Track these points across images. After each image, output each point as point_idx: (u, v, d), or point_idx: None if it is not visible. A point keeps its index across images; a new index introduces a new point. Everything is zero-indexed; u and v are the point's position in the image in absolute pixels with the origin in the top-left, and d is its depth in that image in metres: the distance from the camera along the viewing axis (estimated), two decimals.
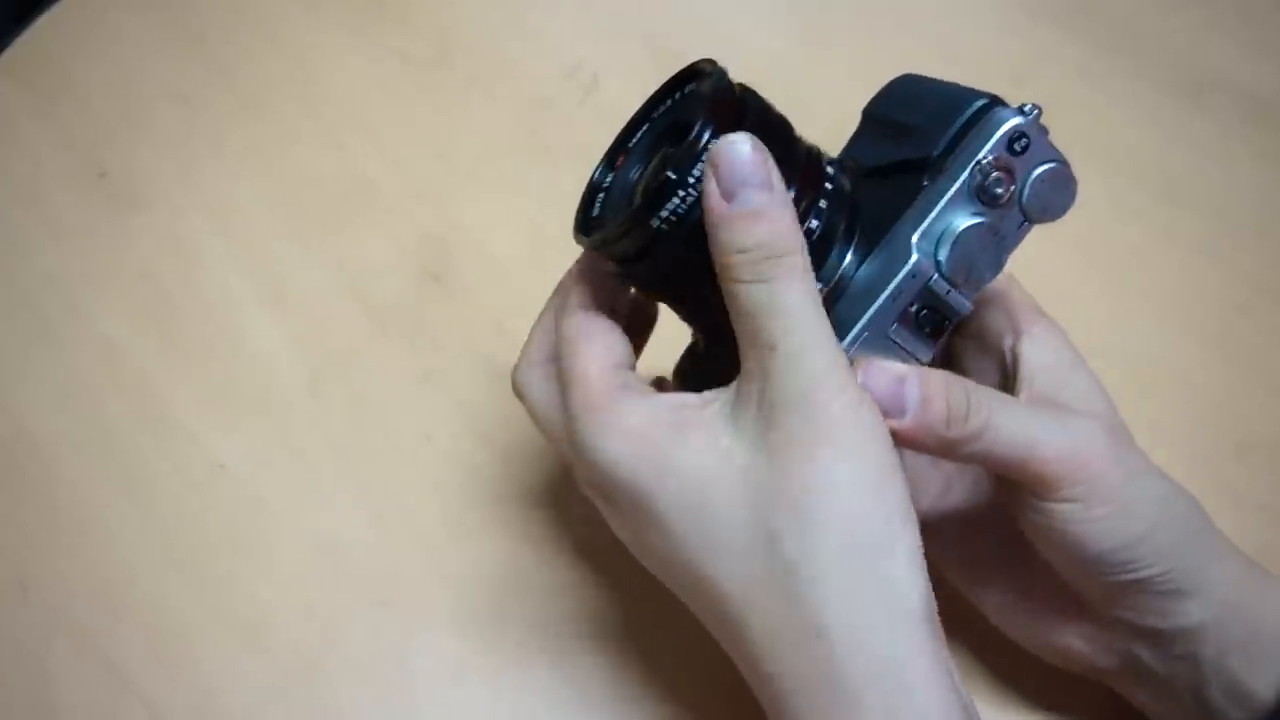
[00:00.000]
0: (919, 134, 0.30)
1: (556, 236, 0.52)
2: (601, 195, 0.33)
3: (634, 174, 0.32)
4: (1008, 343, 0.33)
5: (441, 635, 0.41)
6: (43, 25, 0.61)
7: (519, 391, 0.34)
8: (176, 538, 0.44)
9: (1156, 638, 0.31)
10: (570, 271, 0.34)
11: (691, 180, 0.28)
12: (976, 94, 0.30)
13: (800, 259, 0.28)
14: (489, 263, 0.51)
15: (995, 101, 0.30)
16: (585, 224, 0.33)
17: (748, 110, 0.30)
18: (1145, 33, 0.55)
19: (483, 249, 0.51)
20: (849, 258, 0.30)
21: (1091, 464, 0.29)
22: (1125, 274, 0.47)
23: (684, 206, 0.28)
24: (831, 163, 0.31)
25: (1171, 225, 0.48)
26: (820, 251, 0.30)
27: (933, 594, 0.27)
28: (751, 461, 0.27)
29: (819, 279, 0.29)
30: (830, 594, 0.26)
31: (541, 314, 0.35)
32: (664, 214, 0.29)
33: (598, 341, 0.31)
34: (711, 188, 0.28)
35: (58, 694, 0.41)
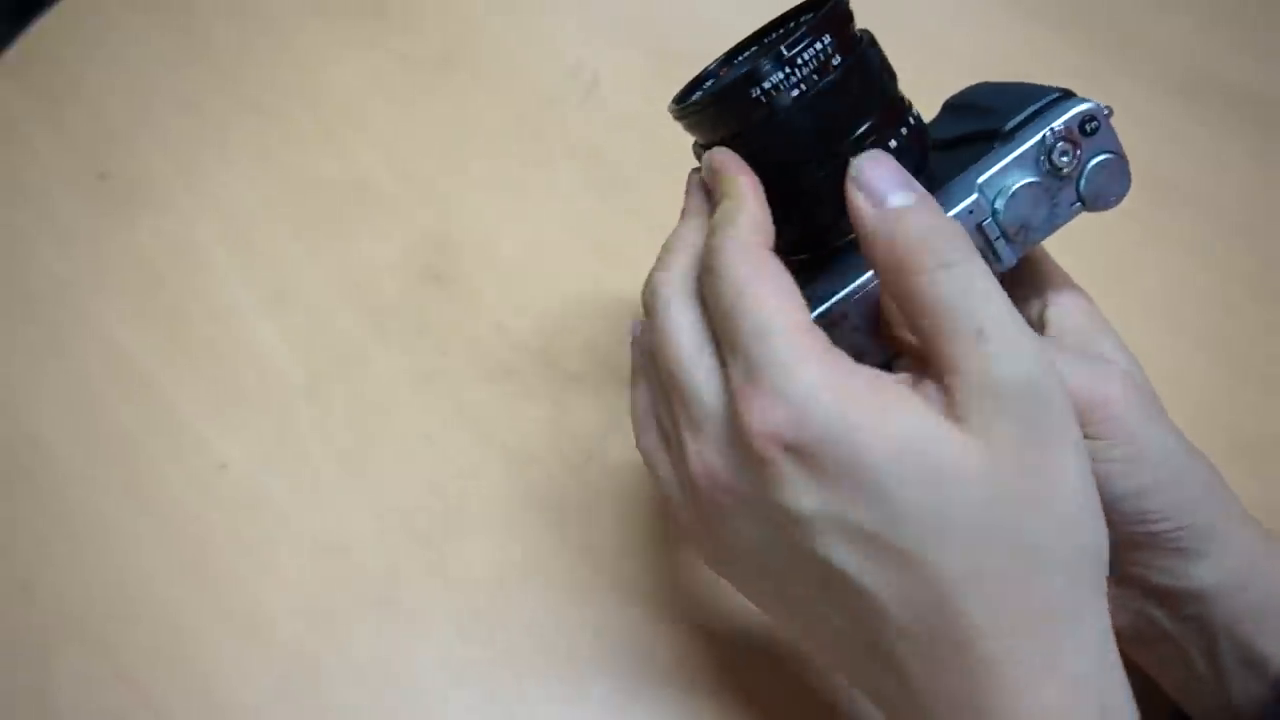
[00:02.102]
0: (994, 113, 0.32)
1: (558, 237, 0.53)
2: (703, 89, 0.34)
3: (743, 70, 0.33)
4: (1036, 309, 0.34)
5: (441, 635, 0.41)
6: (43, 26, 0.61)
7: (656, 306, 0.30)
8: (179, 538, 0.44)
9: (1168, 597, 0.32)
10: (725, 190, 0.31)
11: (800, 63, 0.30)
12: (1053, 88, 0.32)
13: (971, 241, 0.28)
14: (489, 263, 0.51)
15: (1070, 94, 0.32)
16: (684, 98, 0.34)
17: (860, 37, 0.31)
18: (1139, 33, 0.55)
19: (483, 249, 0.52)
20: None
21: (1111, 403, 0.30)
22: (1117, 274, 0.47)
23: (785, 84, 0.30)
24: (919, 118, 0.33)
25: (1164, 225, 0.49)
26: None
27: None
28: (983, 448, 0.25)
29: None
30: (1061, 584, 0.26)
31: (680, 228, 0.32)
32: (765, 86, 0.30)
33: (789, 291, 0.28)
34: (860, 201, 0.28)
35: (60, 694, 0.41)
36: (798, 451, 0.26)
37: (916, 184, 0.29)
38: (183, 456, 0.46)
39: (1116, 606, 0.32)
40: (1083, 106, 0.31)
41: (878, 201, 0.28)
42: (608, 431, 0.45)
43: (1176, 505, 0.30)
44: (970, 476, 0.25)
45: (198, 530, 0.45)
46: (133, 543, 0.45)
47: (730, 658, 0.40)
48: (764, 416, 0.26)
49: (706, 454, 0.28)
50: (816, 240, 0.32)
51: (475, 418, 0.46)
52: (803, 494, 0.26)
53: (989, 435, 0.26)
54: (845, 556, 0.26)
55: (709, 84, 0.34)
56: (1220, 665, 0.31)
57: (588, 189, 0.53)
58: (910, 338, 0.30)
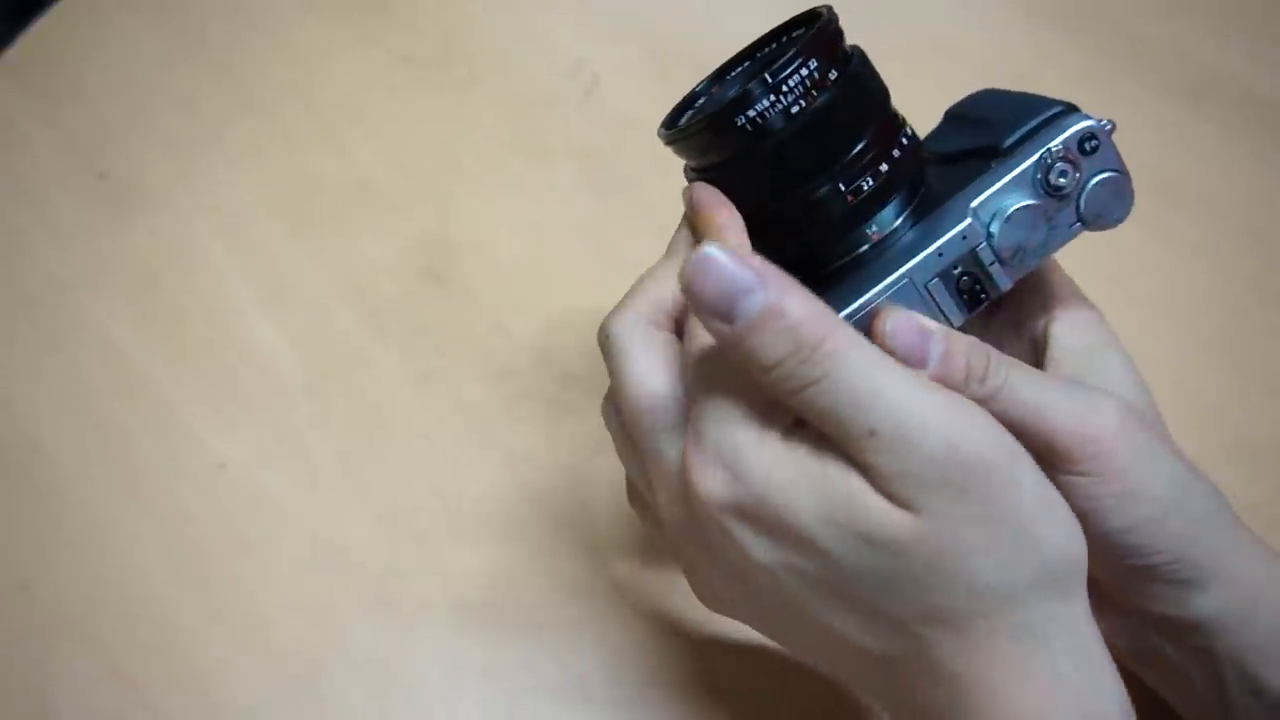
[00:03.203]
0: (993, 128, 0.32)
1: (557, 236, 0.53)
2: (694, 109, 0.34)
3: (730, 93, 0.33)
4: (1040, 324, 0.33)
5: (441, 635, 0.41)
6: (43, 25, 0.61)
7: (609, 353, 0.30)
8: (177, 538, 0.44)
9: (1169, 626, 0.31)
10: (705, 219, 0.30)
11: (785, 88, 0.29)
12: (1056, 100, 0.31)
13: (836, 331, 0.25)
14: (489, 263, 0.51)
15: (1073, 108, 0.31)
16: (672, 124, 0.33)
17: (850, 56, 0.31)
18: (1143, 34, 0.55)
19: (483, 249, 0.51)
20: (902, 219, 0.31)
21: (1102, 439, 0.29)
22: (1122, 276, 0.47)
23: (772, 111, 0.29)
24: (913, 134, 0.32)
25: (1168, 227, 0.49)
26: (875, 203, 0.31)
27: None
28: (913, 519, 0.25)
29: (872, 225, 0.30)
30: (1023, 610, 0.26)
31: (654, 268, 0.32)
32: (751, 113, 0.29)
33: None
34: (710, 323, 0.25)
35: (58, 694, 0.41)
36: (739, 511, 0.27)
37: (755, 265, 0.25)
38: (181, 456, 0.46)
39: (1117, 631, 0.32)
40: (1082, 124, 0.30)
41: (724, 313, 0.25)
42: (607, 431, 0.45)
43: (1174, 538, 0.30)
44: (904, 541, 0.26)
45: (196, 530, 0.45)
46: (131, 542, 0.44)
47: (732, 657, 0.40)
48: (704, 481, 0.27)
49: (673, 509, 0.29)
50: (814, 261, 0.32)
51: (475, 418, 0.46)
52: (753, 547, 0.27)
53: (917, 507, 0.25)
54: (807, 595, 0.27)
55: (699, 103, 0.34)
56: (1225, 693, 0.31)
57: (588, 189, 0.53)
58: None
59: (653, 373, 0.29)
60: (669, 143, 0.32)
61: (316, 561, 0.43)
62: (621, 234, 0.50)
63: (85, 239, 0.53)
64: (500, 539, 0.43)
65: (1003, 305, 0.33)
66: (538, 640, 0.41)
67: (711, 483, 0.27)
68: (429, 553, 0.43)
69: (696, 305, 0.26)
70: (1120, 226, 0.50)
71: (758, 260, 0.26)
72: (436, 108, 0.57)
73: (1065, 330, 0.33)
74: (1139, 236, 0.48)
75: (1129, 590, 0.31)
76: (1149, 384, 0.44)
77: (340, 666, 0.41)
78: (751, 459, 0.27)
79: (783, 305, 0.25)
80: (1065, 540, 0.26)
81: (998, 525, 0.26)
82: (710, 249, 0.25)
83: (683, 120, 0.33)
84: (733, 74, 0.34)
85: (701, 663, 0.40)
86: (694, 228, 0.31)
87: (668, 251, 0.32)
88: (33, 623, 0.43)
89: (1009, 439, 0.26)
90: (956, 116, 0.35)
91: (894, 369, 0.26)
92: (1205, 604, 0.30)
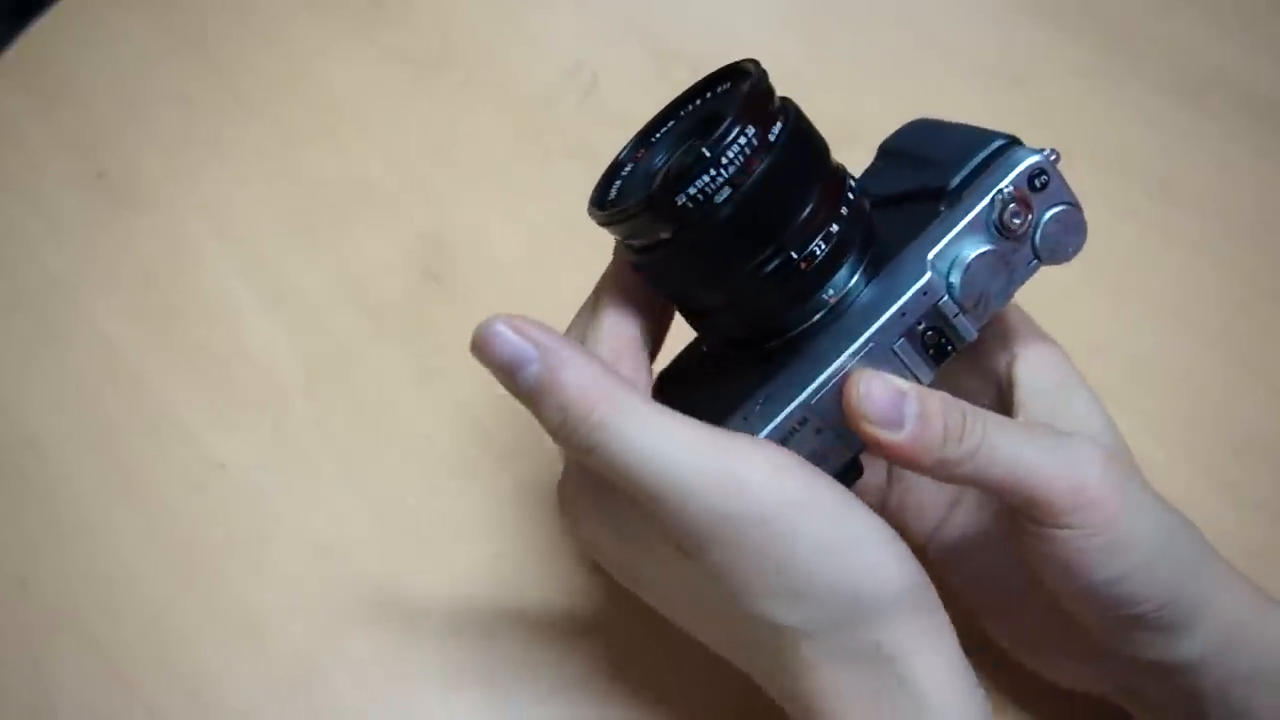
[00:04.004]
0: (936, 166, 0.31)
1: (556, 236, 0.53)
2: (621, 178, 0.32)
3: (658, 161, 0.32)
4: (1003, 364, 0.33)
5: (440, 635, 0.41)
6: (43, 25, 0.61)
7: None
8: (176, 537, 0.44)
9: (1158, 670, 0.31)
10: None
11: (724, 161, 0.28)
12: (996, 134, 0.30)
13: (604, 401, 0.27)
14: (489, 263, 0.51)
15: (1015, 141, 0.30)
16: (602, 200, 0.32)
17: (785, 110, 0.29)
18: (1144, 33, 0.55)
19: (482, 249, 0.51)
20: (856, 277, 0.30)
21: (1088, 489, 0.28)
22: (1124, 273, 0.47)
23: (712, 186, 0.28)
24: (856, 185, 0.31)
25: (1170, 225, 0.48)
26: (830, 267, 0.30)
27: None
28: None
29: (828, 289, 0.30)
30: (872, 643, 0.28)
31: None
32: (691, 191, 0.28)
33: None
34: (501, 382, 0.28)
35: (57, 693, 0.41)
36: (587, 545, 0.32)
37: (534, 335, 0.27)
38: (180, 456, 0.46)
39: (1102, 676, 0.33)
40: (1030, 160, 0.29)
41: (508, 377, 0.27)
42: None
43: (1161, 584, 0.29)
44: (703, 586, 0.28)
45: (195, 529, 0.44)
46: (129, 541, 0.44)
47: None
48: (562, 512, 0.32)
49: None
50: (769, 332, 0.31)
51: (474, 417, 0.46)
52: (607, 566, 0.32)
53: (699, 557, 0.28)
54: (666, 595, 0.32)
55: (624, 172, 0.32)
56: None
57: (587, 188, 0.52)
58: (867, 428, 0.29)
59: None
60: (604, 224, 0.31)
61: (315, 562, 0.43)
62: None
63: (83, 237, 0.53)
64: (500, 539, 0.43)
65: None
66: (537, 641, 0.41)
67: (566, 518, 0.31)
68: (428, 553, 0.43)
69: (490, 371, 0.28)
70: (1121, 225, 0.50)
71: (538, 332, 0.27)
72: (435, 107, 0.56)
73: (1030, 371, 0.32)
74: (1139, 233, 0.48)
75: (1115, 638, 0.31)
76: (1151, 383, 0.44)
77: (338, 667, 0.41)
78: (583, 508, 0.30)
79: (555, 377, 0.27)
80: (864, 574, 0.27)
81: (775, 575, 0.27)
82: (496, 322, 0.27)
83: (612, 194, 0.32)
84: (657, 136, 0.32)
85: (704, 663, 0.40)
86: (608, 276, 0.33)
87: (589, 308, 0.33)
88: (30, 621, 0.43)
89: (790, 485, 0.27)
90: (892, 152, 0.34)
91: (668, 429, 0.27)
92: (1192, 646, 0.30)
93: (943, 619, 0.28)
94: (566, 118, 0.55)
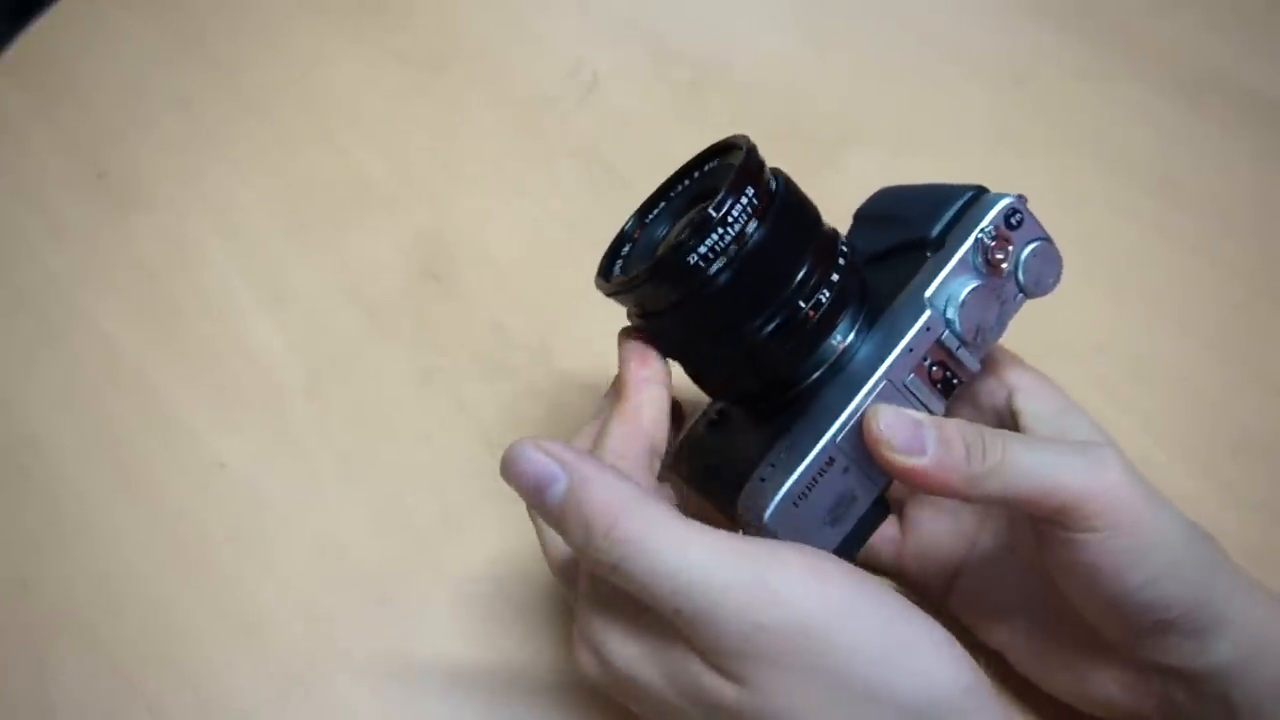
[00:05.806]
0: (914, 222, 0.32)
1: (556, 236, 0.53)
2: (628, 248, 0.34)
3: (659, 233, 0.33)
4: (1001, 398, 0.34)
5: (441, 635, 0.41)
6: (43, 25, 0.61)
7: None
8: (177, 537, 0.44)
9: (1187, 678, 0.31)
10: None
11: (730, 219, 0.29)
12: (965, 185, 0.32)
13: (625, 517, 0.26)
14: (488, 263, 0.51)
15: (983, 190, 0.32)
16: (608, 272, 0.33)
17: (777, 180, 0.31)
18: (1143, 33, 0.55)
19: (482, 249, 0.51)
20: (854, 333, 0.32)
21: (1112, 491, 0.29)
22: (1123, 273, 0.47)
23: (721, 245, 0.29)
24: (847, 245, 0.32)
25: (1169, 225, 0.48)
26: (834, 314, 0.31)
27: None
28: (741, 691, 0.26)
29: (835, 335, 0.31)
30: None
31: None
32: (702, 250, 0.29)
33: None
34: (530, 501, 0.28)
35: (59, 692, 0.41)
36: (610, 687, 0.30)
37: (554, 451, 0.27)
38: (181, 455, 0.46)
39: (1139, 693, 0.32)
40: (1004, 202, 0.31)
41: (535, 499, 0.27)
42: None
43: (1188, 586, 0.29)
44: (742, 713, 0.26)
45: (196, 529, 0.44)
46: (130, 541, 0.44)
47: None
48: (580, 661, 0.30)
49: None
50: (783, 384, 0.32)
51: (474, 417, 0.46)
52: (629, 703, 0.30)
53: (741, 680, 0.26)
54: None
55: (627, 249, 0.34)
56: None
57: (587, 188, 0.53)
58: (892, 457, 0.29)
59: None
60: (610, 294, 0.32)
61: (316, 561, 0.43)
62: None
63: (84, 237, 0.53)
64: (500, 538, 0.43)
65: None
66: (538, 641, 0.41)
67: (586, 667, 0.30)
68: (429, 552, 0.43)
69: (518, 493, 0.28)
70: (1123, 224, 0.50)
71: (565, 451, 0.27)
72: (435, 106, 0.56)
73: (1029, 400, 0.34)
74: (1139, 233, 0.48)
75: (1146, 646, 0.31)
76: (1150, 382, 0.44)
77: (339, 666, 0.41)
78: (614, 648, 0.28)
79: (580, 495, 0.27)
80: (917, 682, 0.26)
81: (823, 690, 0.26)
82: (522, 445, 0.27)
83: (618, 267, 0.33)
84: (654, 213, 0.34)
85: None
86: (619, 384, 0.32)
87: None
88: (31, 621, 0.43)
89: (833, 593, 0.26)
90: (867, 218, 0.36)
91: (694, 542, 0.26)
92: (1222, 650, 0.30)
93: (1000, 714, 0.28)
94: (567, 117, 0.55)
